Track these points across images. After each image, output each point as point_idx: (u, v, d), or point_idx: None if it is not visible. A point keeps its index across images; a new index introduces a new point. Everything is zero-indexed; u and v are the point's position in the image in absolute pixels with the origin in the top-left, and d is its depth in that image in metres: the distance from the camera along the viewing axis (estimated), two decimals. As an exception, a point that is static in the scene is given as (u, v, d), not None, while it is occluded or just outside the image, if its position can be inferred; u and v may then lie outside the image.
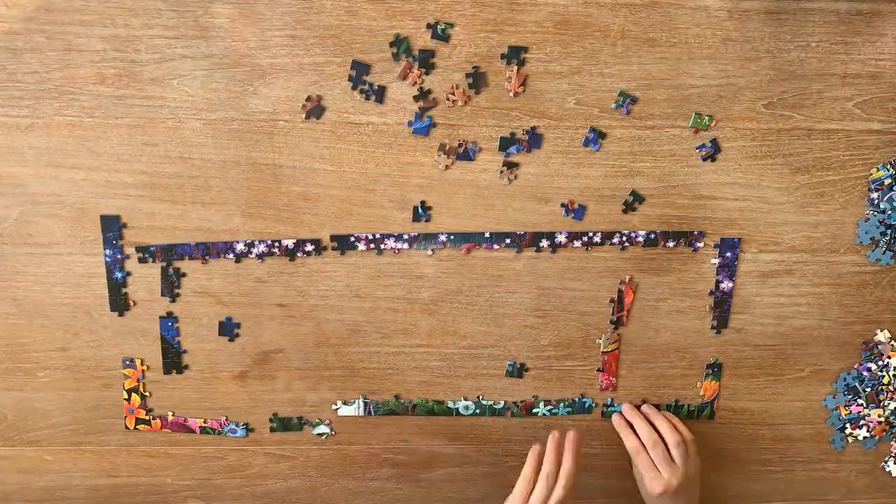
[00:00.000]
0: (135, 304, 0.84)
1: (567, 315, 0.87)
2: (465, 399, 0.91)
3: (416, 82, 0.78)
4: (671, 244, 0.84)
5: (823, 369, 0.91)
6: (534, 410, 0.92)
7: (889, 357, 0.89)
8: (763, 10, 0.77)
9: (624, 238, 0.84)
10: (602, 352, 0.89)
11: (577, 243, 0.84)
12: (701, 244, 0.84)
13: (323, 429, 0.91)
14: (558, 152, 0.81)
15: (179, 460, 0.92)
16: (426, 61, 0.77)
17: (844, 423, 0.92)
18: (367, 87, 0.78)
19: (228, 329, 0.86)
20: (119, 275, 0.83)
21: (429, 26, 0.76)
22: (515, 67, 0.77)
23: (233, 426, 0.90)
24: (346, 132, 0.80)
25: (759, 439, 0.94)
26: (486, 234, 0.83)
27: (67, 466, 0.92)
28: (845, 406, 0.91)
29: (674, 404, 0.92)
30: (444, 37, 0.76)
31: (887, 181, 0.83)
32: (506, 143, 0.80)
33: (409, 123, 0.79)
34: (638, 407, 0.90)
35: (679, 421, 0.87)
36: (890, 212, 0.84)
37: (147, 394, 0.89)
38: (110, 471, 0.92)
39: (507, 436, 0.93)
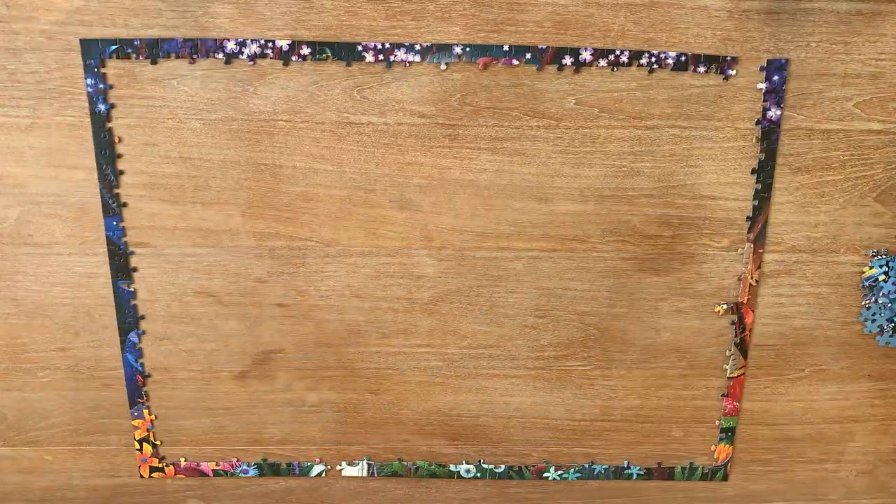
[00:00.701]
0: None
1: (567, 315, 0.87)
2: (467, 462, 0.92)
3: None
4: (702, 69, 0.78)
5: (823, 369, 0.91)
6: (545, 475, 0.93)
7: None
8: (763, 10, 0.77)
9: (653, 59, 0.78)
10: (729, 377, 0.89)
11: (603, 62, 0.78)
12: (733, 71, 0.78)
13: (318, 468, 0.92)
14: (558, 152, 0.81)
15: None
16: None
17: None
18: None
19: None
20: (102, 107, 0.77)
21: None
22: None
23: (244, 466, 0.91)
24: (346, 132, 0.80)
25: (760, 439, 0.94)
26: (505, 48, 0.77)
27: (67, 466, 0.92)
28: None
29: (688, 467, 0.93)
30: None
31: (881, 277, 0.85)
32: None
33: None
34: None
35: None
36: (890, 304, 0.86)
37: (158, 442, 0.90)
38: (110, 471, 0.92)
39: (506, 436, 0.92)
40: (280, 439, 0.92)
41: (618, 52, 0.77)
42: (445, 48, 0.77)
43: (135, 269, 0.83)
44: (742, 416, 0.93)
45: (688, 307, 0.88)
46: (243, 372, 0.88)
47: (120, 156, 0.79)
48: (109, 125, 0.78)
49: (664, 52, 0.77)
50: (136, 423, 0.89)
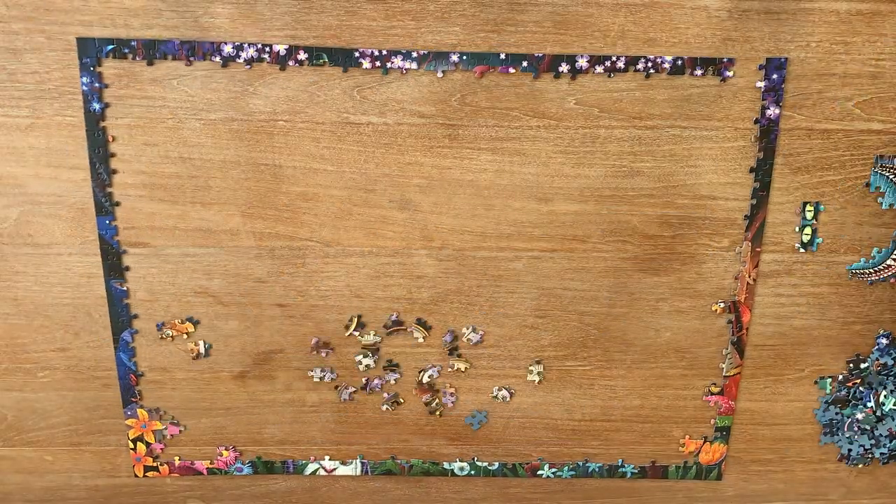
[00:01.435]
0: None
1: (567, 315, 0.87)
2: (461, 460, 0.92)
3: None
4: (699, 72, 0.78)
5: (823, 369, 0.91)
6: (539, 472, 0.93)
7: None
8: (763, 10, 0.77)
9: (649, 64, 0.78)
10: (724, 375, 0.89)
11: (600, 69, 0.78)
12: (730, 73, 0.78)
13: (313, 467, 0.92)
14: (558, 152, 0.81)
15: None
16: None
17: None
18: None
19: None
20: (97, 106, 0.77)
21: None
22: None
23: (239, 465, 0.91)
24: (346, 132, 0.80)
25: (759, 439, 0.94)
26: (502, 56, 0.77)
27: (67, 466, 0.92)
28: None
29: (682, 465, 0.93)
30: None
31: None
32: None
33: None
34: None
35: None
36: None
37: (160, 445, 0.91)
38: (110, 471, 0.92)
39: (506, 436, 0.92)
40: (280, 439, 0.92)
41: (614, 58, 0.77)
42: (442, 56, 0.77)
43: (127, 269, 0.83)
44: (742, 416, 0.93)
45: (688, 307, 0.88)
46: (243, 372, 0.88)
47: (113, 154, 0.79)
48: (103, 124, 0.78)
49: (660, 57, 0.77)
50: (129, 422, 0.89)
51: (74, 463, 0.92)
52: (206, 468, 0.91)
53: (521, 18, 0.76)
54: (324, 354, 0.87)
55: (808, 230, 0.84)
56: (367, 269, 0.85)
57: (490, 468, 0.93)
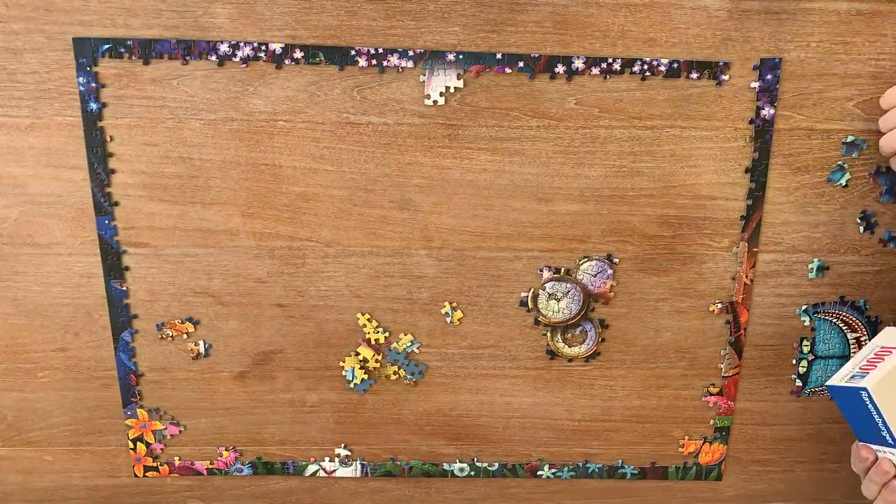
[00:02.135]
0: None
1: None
2: (460, 461, 0.92)
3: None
4: (695, 76, 0.78)
5: (823, 369, 0.91)
6: (538, 473, 0.92)
7: None
8: (763, 10, 0.77)
9: (645, 67, 0.78)
10: (723, 376, 0.89)
11: (595, 70, 0.78)
12: (726, 76, 0.79)
13: (313, 468, 0.92)
14: (558, 152, 0.81)
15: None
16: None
17: None
18: None
19: None
20: (94, 106, 0.77)
21: None
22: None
23: (239, 465, 0.91)
24: (345, 132, 0.80)
25: (759, 439, 0.94)
26: (498, 56, 0.77)
27: (67, 466, 0.92)
28: None
29: (682, 466, 0.93)
30: None
31: None
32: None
33: None
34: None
35: None
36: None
37: (160, 445, 0.90)
38: (110, 471, 0.92)
39: (506, 436, 0.92)
40: (280, 439, 0.92)
41: (610, 60, 0.77)
42: (438, 55, 0.77)
43: (127, 269, 0.83)
44: (741, 417, 0.93)
45: (688, 307, 0.87)
46: (243, 372, 0.88)
47: (112, 154, 0.79)
48: (101, 124, 0.78)
49: (656, 60, 0.77)
50: (129, 422, 0.89)
51: (74, 463, 0.92)
52: (206, 468, 0.92)
53: (521, 18, 0.77)
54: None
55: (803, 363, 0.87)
56: (367, 269, 0.85)
57: (490, 469, 0.93)
